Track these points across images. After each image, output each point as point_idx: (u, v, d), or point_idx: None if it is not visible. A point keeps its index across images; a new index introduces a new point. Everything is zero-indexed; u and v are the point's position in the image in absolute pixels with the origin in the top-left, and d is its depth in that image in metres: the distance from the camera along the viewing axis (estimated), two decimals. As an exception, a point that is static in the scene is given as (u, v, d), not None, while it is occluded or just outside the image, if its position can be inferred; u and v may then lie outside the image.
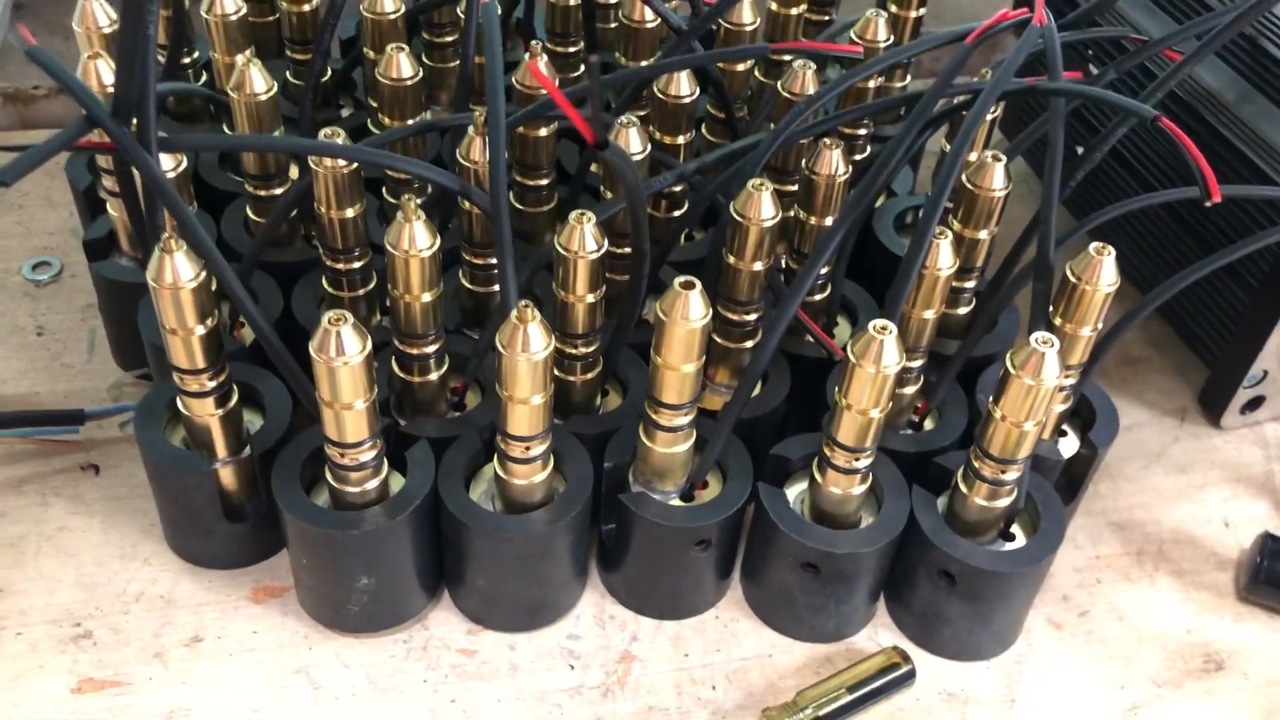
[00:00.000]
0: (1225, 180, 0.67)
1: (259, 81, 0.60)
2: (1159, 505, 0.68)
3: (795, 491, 0.59)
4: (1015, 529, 0.59)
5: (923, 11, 0.75)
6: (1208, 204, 0.52)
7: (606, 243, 0.54)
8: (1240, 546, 0.66)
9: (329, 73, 0.74)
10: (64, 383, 0.69)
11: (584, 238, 0.53)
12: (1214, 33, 0.60)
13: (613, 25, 0.79)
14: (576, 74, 0.77)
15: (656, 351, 0.53)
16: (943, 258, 0.55)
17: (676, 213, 0.68)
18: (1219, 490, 0.69)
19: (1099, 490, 0.68)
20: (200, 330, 0.52)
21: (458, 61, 0.76)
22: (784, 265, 0.65)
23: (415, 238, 0.53)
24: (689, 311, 0.51)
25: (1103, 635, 0.62)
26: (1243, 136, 0.67)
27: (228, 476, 0.58)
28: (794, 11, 0.75)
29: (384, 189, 0.67)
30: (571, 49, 0.76)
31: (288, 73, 0.76)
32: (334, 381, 0.49)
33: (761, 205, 0.56)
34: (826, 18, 0.81)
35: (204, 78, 0.74)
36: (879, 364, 0.50)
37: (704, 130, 0.73)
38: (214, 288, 0.53)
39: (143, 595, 0.60)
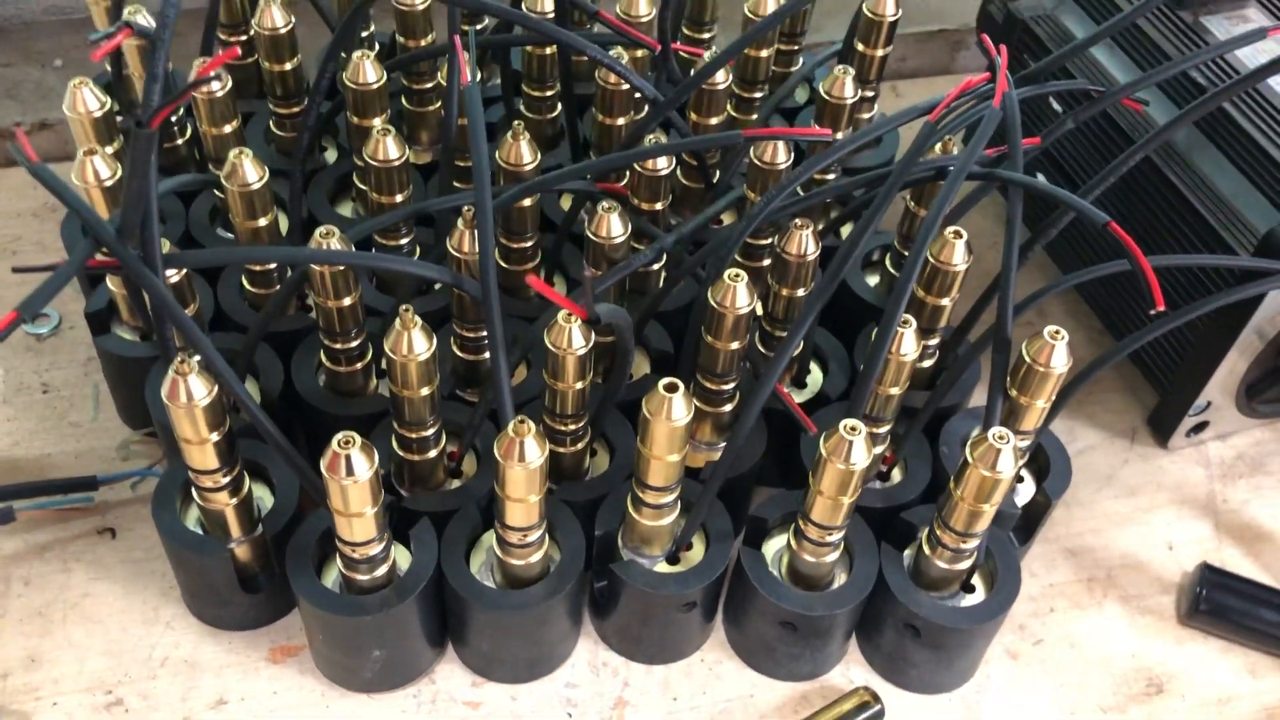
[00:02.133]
0: (1173, 227, 0.71)
1: (251, 172, 0.63)
2: (1109, 530, 0.74)
3: (773, 548, 0.64)
4: (975, 579, 0.64)
5: (888, 50, 0.78)
6: (1152, 312, 0.55)
7: (594, 338, 0.58)
8: (1182, 570, 0.72)
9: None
10: (73, 442, 0.73)
11: (571, 336, 0.57)
12: (1167, 124, 0.64)
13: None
14: (553, 114, 0.79)
15: (642, 443, 0.57)
16: (906, 345, 0.59)
17: (656, 265, 0.71)
18: (1164, 513, 0.75)
19: (1054, 517, 0.73)
20: (214, 438, 0.55)
21: (438, 104, 0.78)
22: (758, 328, 0.68)
23: (413, 344, 0.56)
24: (672, 413, 0.54)
25: (1056, 663, 0.67)
26: (1190, 184, 0.71)
27: (243, 554, 0.62)
28: (764, 54, 0.77)
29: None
30: (548, 92, 0.78)
31: (270, 123, 0.78)
32: (345, 497, 0.53)
33: (737, 295, 0.59)
34: (796, 47, 0.83)
35: (188, 132, 0.75)
36: (848, 462, 0.54)
37: (679, 173, 0.76)
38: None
39: (168, 660, 0.64)
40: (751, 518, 0.63)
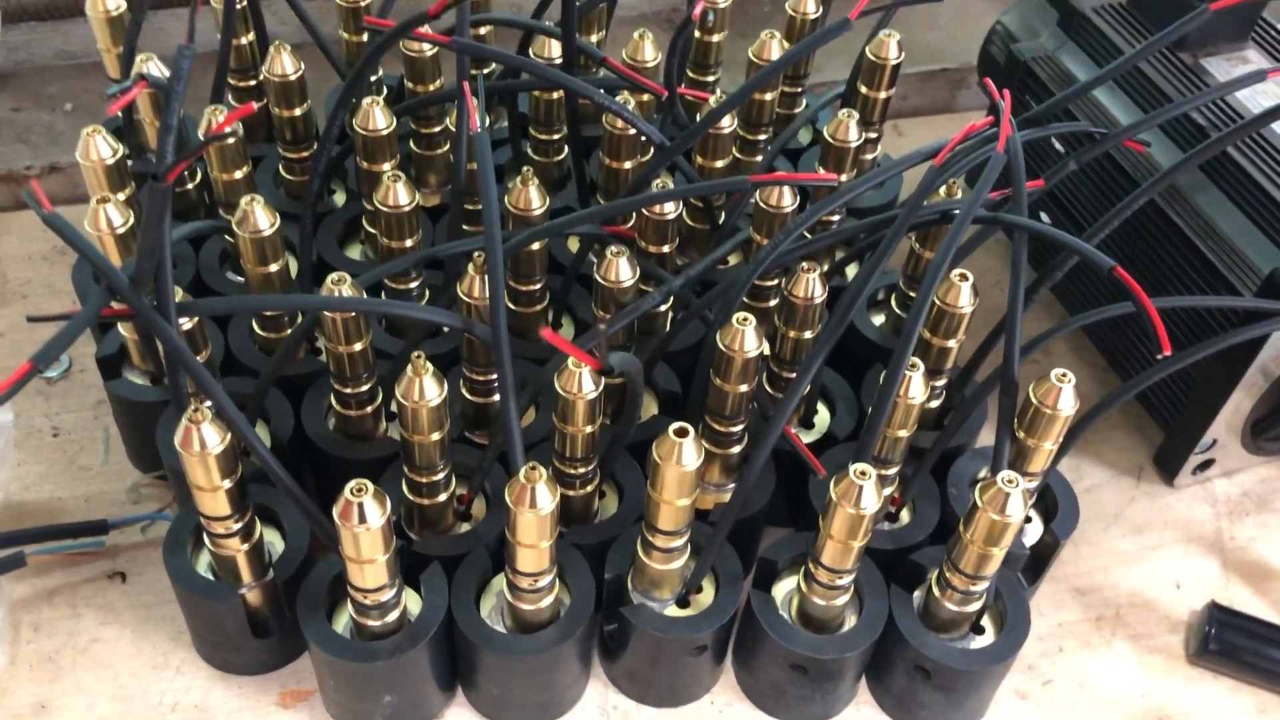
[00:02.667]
0: (1177, 268, 0.72)
1: (263, 219, 0.63)
2: (1117, 568, 0.74)
3: (783, 590, 0.64)
4: (985, 620, 0.64)
5: (891, 92, 0.78)
6: (1159, 357, 0.56)
7: (604, 383, 0.58)
8: (1190, 608, 0.72)
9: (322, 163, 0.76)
10: (84, 486, 0.73)
11: (582, 381, 0.57)
12: (1172, 167, 0.64)
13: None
14: (559, 157, 0.80)
15: (652, 487, 0.57)
16: (915, 389, 0.59)
17: (663, 307, 0.71)
18: (1172, 551, 0.75)
19: (1062, 556, 0.73)
20: (227, 484, 0.56)
21: (446, 148, 0.79)
22: (766, 368, 0.69)
23: (424, 390, 0.56)
24: (683, 458, 0.55)
25: (1066, 703, 0.67)
26: (1193, 226, 0.71)
27: (254, 599, 0.62)
28: (768, 97, 0.78)
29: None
30: (555, 135, 0.79)
31: (279, 167, 0.78)
32: (357, 544, 0.53)
33: (745, 339, 0.59)
34: (799, 89, 0.84)
35: (197, 176, 0.76)
36: (859, 506, 0.54)
37: (685, 215, 0.76)
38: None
39: (178, 705, 0.64)
40: (761, 560, 0.64)
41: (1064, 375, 0.58)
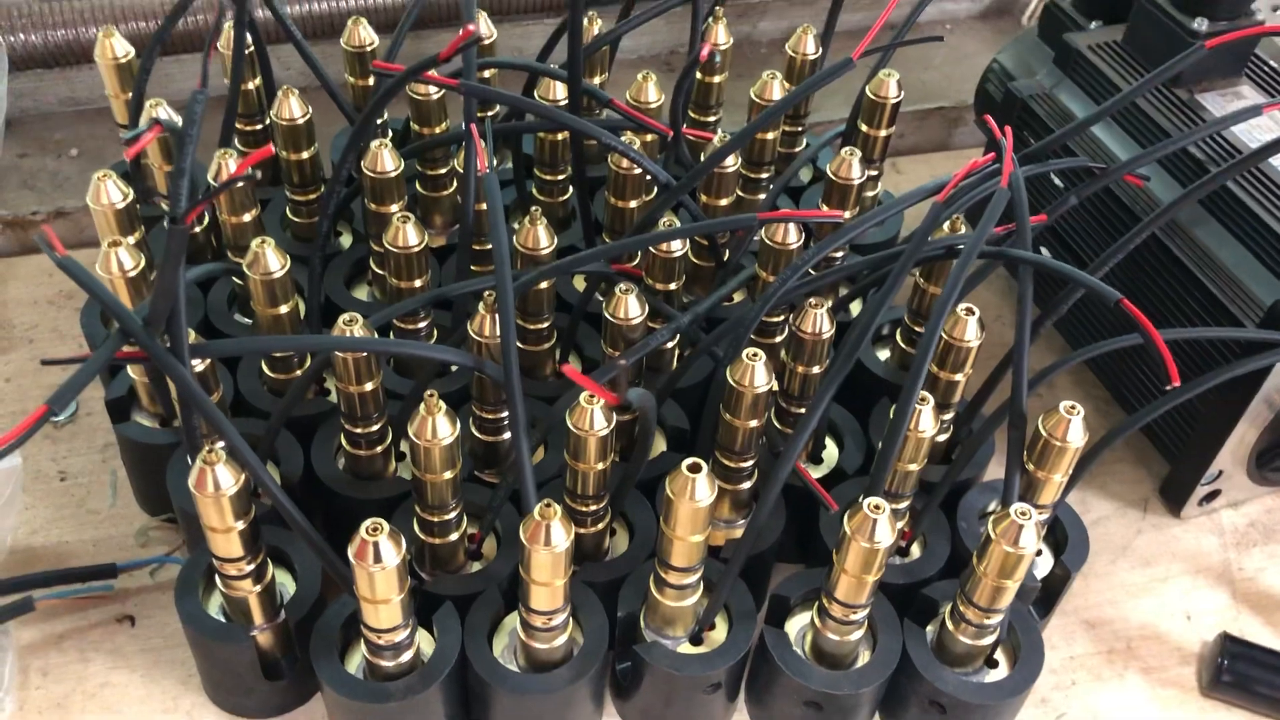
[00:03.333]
0: (1179, 300, 0.73)
1: (273, 261, 0.64)
2: (1126, 601, 0.74)
3: (796, 626, 0.64)
4: (998, 654, 0.64)
5: (891, 130, 0.79)
6: (1168, 388, 0.56)
7: (615, 419, 0.58)
8: (1202, 640, 0.72)
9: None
10: (91, 530, 0.73)
11: (593, 418, 0.57)
12: (1175, 200, 0.65)
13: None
14: (564, 197, 0.81)
15: (666, 523, 0.57)
16: (925, 422, 0.59)
17: (670, 344, 0.72)
18: (1180, 582, 0.75)
19: (1071, 589, 0.73)
20: (240, 526, 0.56)
21: (452, 189, 0.79)
22: (774, 404, 0.69)
23: (437, 429, 0.57)
24: (696, 494, 0.55)
25: (1079, 737, 0.67)
26: (1194, 259, 0.72)
27: (265, 640, 0.61)
28: (770, 136, 0.79)
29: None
30: (560, 175, 0.80)
31: (286, 209, 0.79)
32: (372, 584, 0.53)
33: (756, 374, 0.60)
34: (800, 128, 0.85)
35: (204, 220, 0.76)
36: (873, 540, 0.54)
37: (689, 253, 0.77)
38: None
39: (188, 750, 0.63)
40: (774, 596, 0.64)
41: (1073, 407, 0.59)
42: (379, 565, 0.52)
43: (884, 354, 0.77)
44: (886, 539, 0.55)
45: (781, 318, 0.72)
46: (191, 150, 0.54)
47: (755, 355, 0.60)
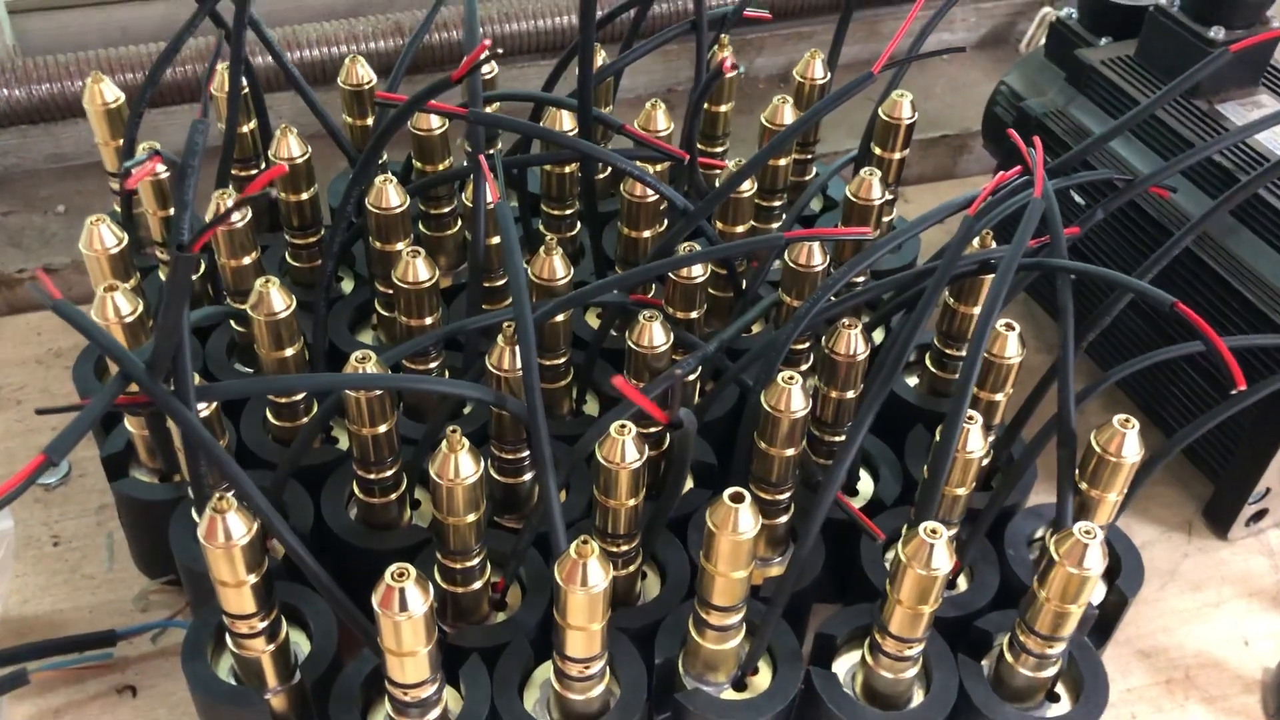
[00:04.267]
0: (1216, 312, 0.70)
1: (278, 301, 0.61)
2: (1179, 628, 0.70)
3: (844, 667, 0.60)
4: (1059, 687, 0.60)
5: (906, 153, 0.77)
6: (1233, 392, 0.53)
7: (648, 450, 0.55)
8: (1263, 666, 0.68)
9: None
10: (87, 596, 0.68)
11: (625, 450, 0.54)
12: (1214, 205, 0.63)
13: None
14: (572, 232, 0.78)
15: (706, 559, 0.53)
16: (973, 442, 0.57)
17: (692, 376, 0.69)
18: (1234, 606, 0.72)
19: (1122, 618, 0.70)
20: (252, 579, 0.52)
21: (457, 228, 0.77)
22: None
23: (460, 467, 0.53)
24: (739, 525, 0.51)
25: (1145, 773, 0.64)
26: (1229, 268, 0.70)
27: (280, 704, 0.57)
28: (783, 162, 0.77)
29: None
30: (568, 210, 0.77)
31: (286, 254, 0.76)
32: (398, 634, 0.49)
33: (792, 398, 0.57)
34: (809, 156, 0.83)
35: (201, 267, 0.73)
36: (930, 567, 0.51)
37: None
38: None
39: (198, 828, 0.59)
40: (819, 635, 0.60)
41: (1127, 420, 0.56)
42: (405, 614, 0.48)
43: (912, 381, 0.74)
44: (945, 565, 0.51)
45: (806, 345, 0.70)
46: (193, 182, 0.51)
47: (791, 379, 0.57)
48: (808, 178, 0.84)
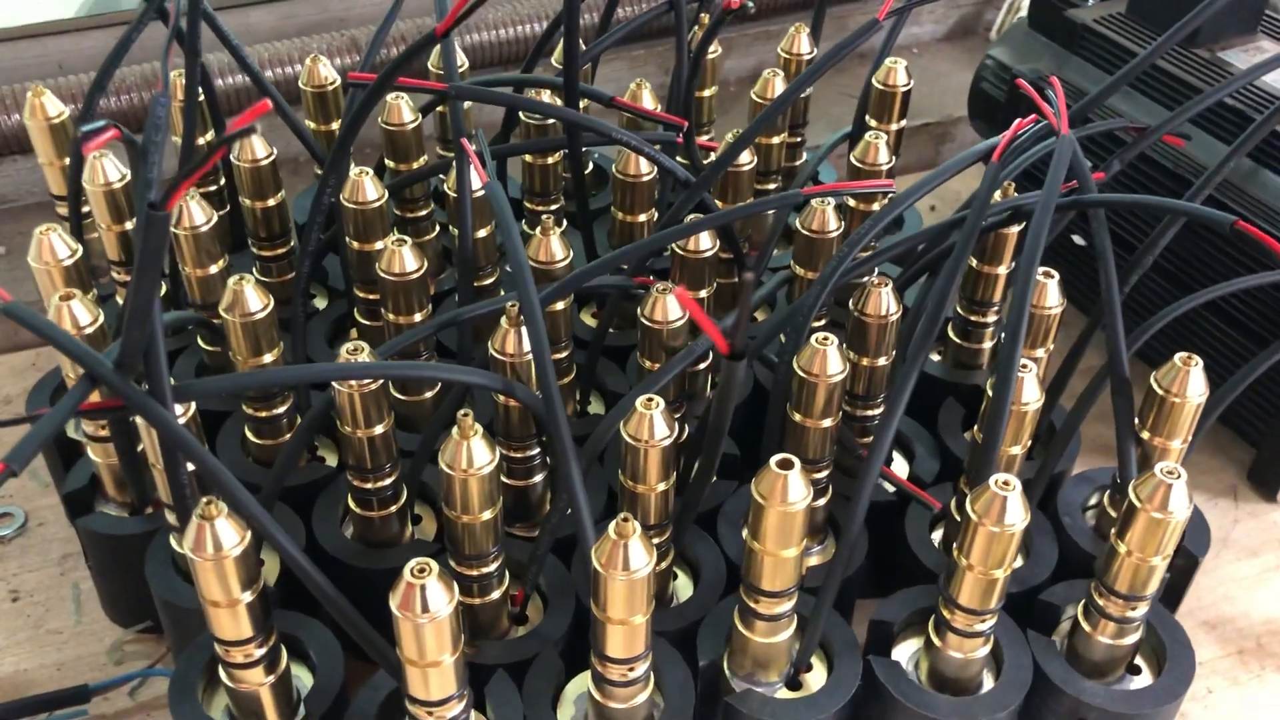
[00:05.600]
0: (1241, 260, 0.67)
1: (254, 300, 0.55)
2: (1241, 596, 0.66)
3: (904, 654, 0.55)
4: (1138, 659, 0.55)
5: (903, 124, 0.74)
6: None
7: (679, 428, 0.50)
8: (1335, 627, 0.64)
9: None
10: (54, 653, 0.62)
11: (654, 425, 0.49)
12: (1248, 132, 0.60)
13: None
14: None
15: (754, 536, 0.48)
16: (1029, 392, 0.52)
17: (703, 365, 0.64)
18: (1294, 569, 0.68)
19: (1180, 589, 0.66)
20: (248, 597, 0.46)
21: (435, 233, 0.72)
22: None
23: (473, 455, 0.48)
24: (788, 494, 0.46)
25: (1231, 750, 0.59)
26: (1256, 213, 0.67)
27: (282, 747, 0.51)
28: (775, 140, 0.73)
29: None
30: (552, 206, 0.73)
31: (254, 269, 0.70)
32: (420, 640, 0.43)
33: (828, 360, 0.52)
34: (799, 139, 0.80)
35: (162, 289, 0.68)
36: (1003, 523, 0.46)
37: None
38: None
39: None
40: (874, 622, 0.55)
41: (1189, 358, 0.52)
42: (428, 615, 0.42)
43: (934, 356, 0.69)
44: (1020, 520, 0.46)
45: (823, 320, 0.65)
46: (159, 158, 0.46)
47: (826, 339, 0.52)
48: (798, 162, 0.80)
